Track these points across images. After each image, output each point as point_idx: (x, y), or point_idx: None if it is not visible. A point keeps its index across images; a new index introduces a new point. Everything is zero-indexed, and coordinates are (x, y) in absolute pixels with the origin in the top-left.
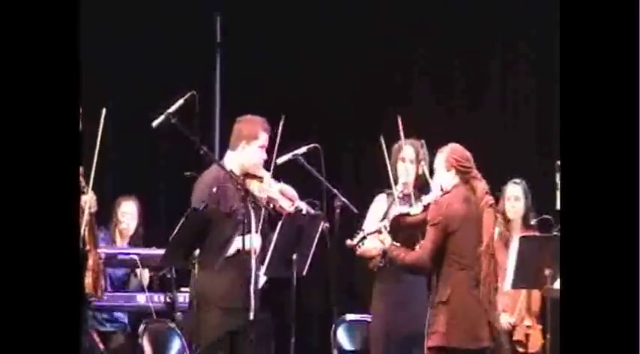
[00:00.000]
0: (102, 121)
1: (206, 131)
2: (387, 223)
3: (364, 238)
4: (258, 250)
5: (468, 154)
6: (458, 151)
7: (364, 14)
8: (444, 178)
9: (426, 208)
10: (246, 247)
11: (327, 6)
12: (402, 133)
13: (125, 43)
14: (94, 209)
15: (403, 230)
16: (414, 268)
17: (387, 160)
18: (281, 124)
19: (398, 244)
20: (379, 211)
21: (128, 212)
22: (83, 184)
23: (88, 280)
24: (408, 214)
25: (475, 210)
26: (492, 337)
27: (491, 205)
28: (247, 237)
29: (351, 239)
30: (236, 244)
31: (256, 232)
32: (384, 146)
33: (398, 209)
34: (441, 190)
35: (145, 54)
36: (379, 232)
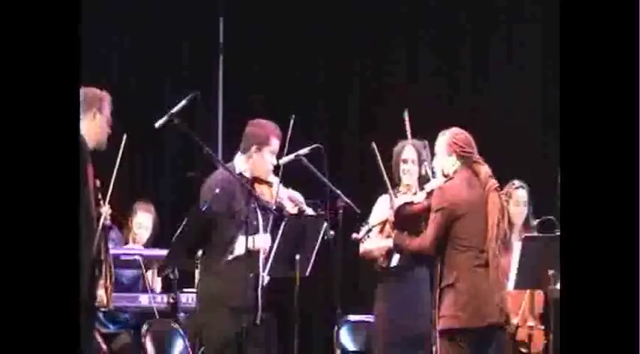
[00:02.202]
0: (122, 144)
1: (209, 132)
2: (391, 213)
3: (370, 230)
4: (267, 250)
5: (469, 138)
6: (459, 135)
7: (366, 16)
8: (445, 163)
9: (429, 194)
10: (255, 246)
11: (329, 7)
12: (408, 131)
13: (128, 44)
14: (108, 222)
15: (408, 219)
16: (419, 254)
17: (381, 164)
18: (290, 125)
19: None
20: (382, 212)
21: (143, 224)
22: (100, 196)
23: (100, 290)
24: (411, 203)
25: (480, 194)
26: (502, 312)
27: (495, 189)
28: (255, 237)
29: (357, 233)
30: (244, 243)
31: (261, 231)
32: (376, 151)
33: (401, 199)
34: (444, 175)
35: (148, 55)
36: (384, 223)
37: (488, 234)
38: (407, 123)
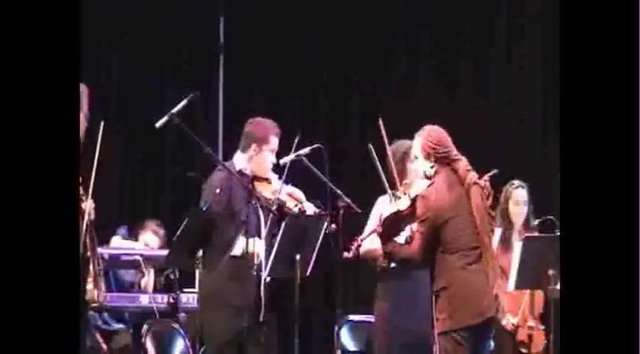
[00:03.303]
0: (100, 133)
1: (209, 132)
2: (378, 225)
3: (359, 246)
4: (260, 255)
5: (443, 135)
6: (432, 135)
7: (367, 16)
8: (424, 167)
9: (413, 201)
10: (249, 250)
11: (329, 7)
12: (385, 138)
13: (129, 44)
14: (92, 216)
15: (394, 227)
16: (408, 262)
17: (379, 165)
18: (296, 141)
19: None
20: (374, 219)
21: (150, 244)
22: (82, 191)
23: (89, 286)
24: (398, 211)
25: (461, 192)
26: (496, 306)
27: (476, 182)
28: (251, 240)
29: (348, 252)
30: (240, 245)
31: (262, 234)
32: (373, 152)
33: (386, 210)
34: (426, 177)
35: (148, 55)
36: (375, 232)
37: (478, 230)
38: (382, 129)
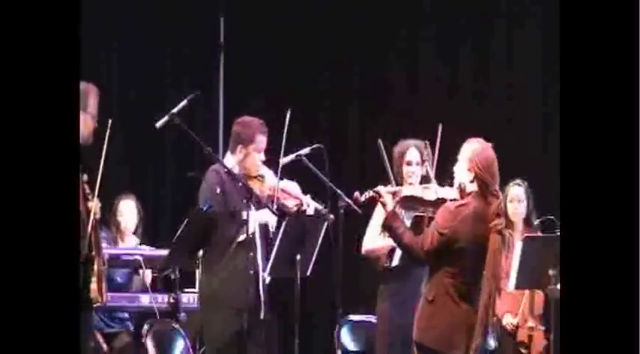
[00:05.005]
0: (108, 131)
1: (210, 131)
2: (400, 189)
3: (373, 196)
4: (274, 225)
5: (492, 161)
6: (482, 157)
7: (367, 16)
8: (462, 176)
9: (438, 202)
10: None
11: (329, 6)
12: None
13: (129, 43)
14: (98, 216)
15: (409, 208)
16: (407, 251)
17: (387, 161)
18: (287, 117)
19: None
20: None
21: (127, 211)
22: (88, 191)
23: (94, 285)
24: (421, 199)
25: (483, 231)
26: (467, 349)
27: (499, 231)
28: (259, 214)
29: (360, 194)
30: (253, 223)
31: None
32: (382, 149)
33: (413, 190)
34: (460, 189)
35: (149, 54)
36: (392, 194)
37: (485, 272)
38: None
